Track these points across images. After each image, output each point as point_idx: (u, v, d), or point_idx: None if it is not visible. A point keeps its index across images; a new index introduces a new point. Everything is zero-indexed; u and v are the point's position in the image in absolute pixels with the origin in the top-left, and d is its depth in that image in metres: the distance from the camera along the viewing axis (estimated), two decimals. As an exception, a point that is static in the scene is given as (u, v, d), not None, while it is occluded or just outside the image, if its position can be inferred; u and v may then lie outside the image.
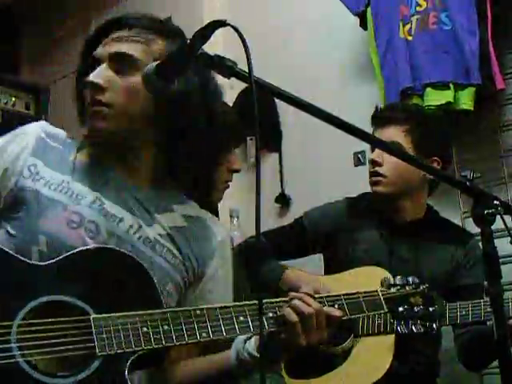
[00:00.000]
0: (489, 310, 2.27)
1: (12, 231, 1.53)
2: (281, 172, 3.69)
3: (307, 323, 1.55)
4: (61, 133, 1.70)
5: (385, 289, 1.73)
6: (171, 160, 1.70)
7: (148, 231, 1.62)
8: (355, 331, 2.46)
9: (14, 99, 3.71)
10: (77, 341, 1.38)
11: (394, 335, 2.40)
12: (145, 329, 1.42)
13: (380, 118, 2.66)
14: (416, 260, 2.60)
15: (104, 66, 1.63)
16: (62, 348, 1.37)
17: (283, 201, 3.65)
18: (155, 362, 1.55)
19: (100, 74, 1.61)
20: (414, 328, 1.71)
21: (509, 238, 1.50)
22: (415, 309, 1.72)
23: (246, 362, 1.59)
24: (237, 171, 2.24)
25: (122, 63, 1.62)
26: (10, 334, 1.34)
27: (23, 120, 3.58)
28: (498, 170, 3.03)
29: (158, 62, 1.40)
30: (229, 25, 1.31)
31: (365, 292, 1.70)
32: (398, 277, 1.76)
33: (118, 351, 1.39)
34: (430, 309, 1.73)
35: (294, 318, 1.55)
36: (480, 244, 1.41)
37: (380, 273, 2.47)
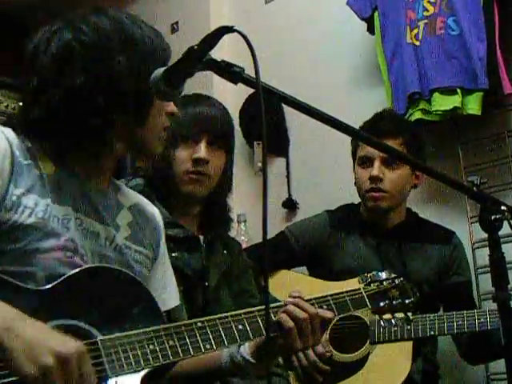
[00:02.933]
0: (482, 320, 2.35)
1: (3, 268, 1.38)
2: (288, 177, 3.69)
3: (303, 328, 1.60)
4: (20, 142, 1.48)
5: (365, 286, 1.82)
6: None
7: (117, 237, 1.58)
8: (371, 338, 2.47)
9: (19, 103, 3.72)
10: None
11: (411, 342, 2.42)
12: (151, 346, 1.41)
13: (374, 130, 2.60)
14: (405, 263, 2.67)
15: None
16: None
17: (290, 205, 3.65)
18: (164, 373, 1.56)
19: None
20: (393, 321, 1.80)
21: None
22: (394, 302, 1.82)
23: (240, 366, 1.66)
24: (199, 160, 2.14)
25: None
26: None
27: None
28: (506, 174, 3.02)
29: (166, 67, 1.41)
30: (236, 31, 1.31)
31: (349, 291, 1.77)
32: (373, 272, 1.87)
33: (129, 371, 1.37)
34: (407, 301, 1.84)
35: (290, 323, 1.59)
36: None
37: None
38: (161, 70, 1.40)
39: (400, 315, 1.84)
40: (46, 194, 1.45)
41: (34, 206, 1.42)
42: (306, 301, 1.65)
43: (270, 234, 2.93)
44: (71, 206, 1.49)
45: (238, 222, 3.47)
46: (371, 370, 2.43)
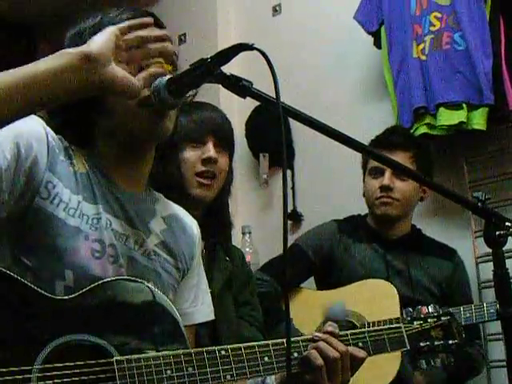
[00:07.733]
0: (492, 310, 2.39)
1: (28, 262, 1.37)
2: (293, 189, 3.70)
3: (332, 366, 1.54)
4: (57, 139, 1.48)
5: (407, 323, 1.72)
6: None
7: (148, 243, 1.54)
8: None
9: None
10: None
11: None
12: (169, 372, 1.36)
13: (386, 142, 2.76)
14: (410, 272, 2.75)
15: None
16: None
17: (295, 217, 3.65)
18: None
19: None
20: (432, 362, 1.70)
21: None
22: (435, 343, 1.71)
23: None
24: (209, 159, 2.18)
25: None
26: (30, 381, 1.25)
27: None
28: (511, 190, 3.02)
29: (171, 76, 1.37)
30: (256, 49, 1.29)
31: (389, 328, 1.69)
32: (419, 307, 1.75)
33: None
34: (450, 342, 1.71)
35: (319, 361, 1.54)
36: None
37: (386, 287, 2.63)
38: (165, 78, 1.36)
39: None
40: (78, 190, 1.44)
41: (68, 200, 1.42)
42: (341, 336, 1.59)
43: (275, 247, 2.93)
44: (101, 205, 1.47)
45: (243, 234, 3.47)
46: (360, 371, 2.44)
